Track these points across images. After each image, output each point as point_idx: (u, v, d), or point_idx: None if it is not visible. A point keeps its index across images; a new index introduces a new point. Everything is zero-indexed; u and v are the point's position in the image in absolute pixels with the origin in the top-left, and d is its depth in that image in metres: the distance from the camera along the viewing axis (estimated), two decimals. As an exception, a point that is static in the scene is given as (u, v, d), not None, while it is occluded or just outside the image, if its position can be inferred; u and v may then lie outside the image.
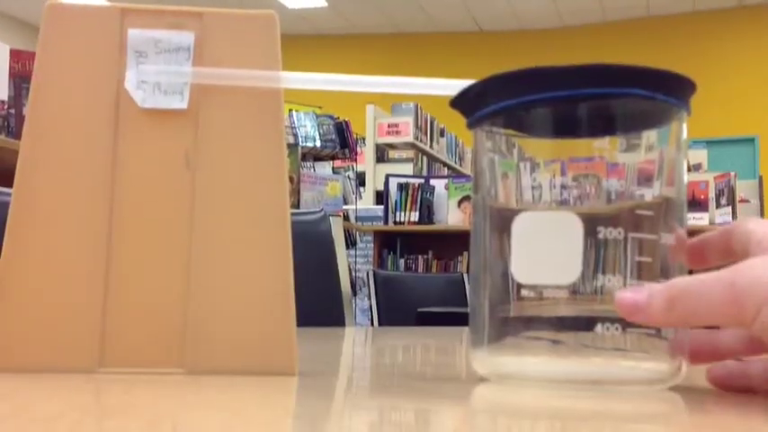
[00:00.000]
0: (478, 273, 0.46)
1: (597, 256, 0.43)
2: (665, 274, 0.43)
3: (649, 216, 0.44)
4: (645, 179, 0.44)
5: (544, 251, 0.43)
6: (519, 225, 0.44)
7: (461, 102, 0.46)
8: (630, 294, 0.40)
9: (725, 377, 0.44)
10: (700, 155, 5.90)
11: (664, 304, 0.39)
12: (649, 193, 0.44)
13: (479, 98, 0.45)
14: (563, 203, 0.44)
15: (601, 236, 0.42)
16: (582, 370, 0.43)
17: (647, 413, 0.38)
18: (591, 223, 0.42)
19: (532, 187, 0.45)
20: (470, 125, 0.47)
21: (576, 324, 0.43)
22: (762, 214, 4.32)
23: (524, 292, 0.43)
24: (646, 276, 0.43)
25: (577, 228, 0.42)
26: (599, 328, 0.42)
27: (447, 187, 4.38)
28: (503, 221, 0.44)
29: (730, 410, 0.39)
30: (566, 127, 0.45)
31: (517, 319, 0.44)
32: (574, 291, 0.42)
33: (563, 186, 0.44)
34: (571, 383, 0.43)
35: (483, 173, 0.47)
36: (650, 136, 0.45)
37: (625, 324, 0.42)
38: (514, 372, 0.45)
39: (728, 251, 0.45)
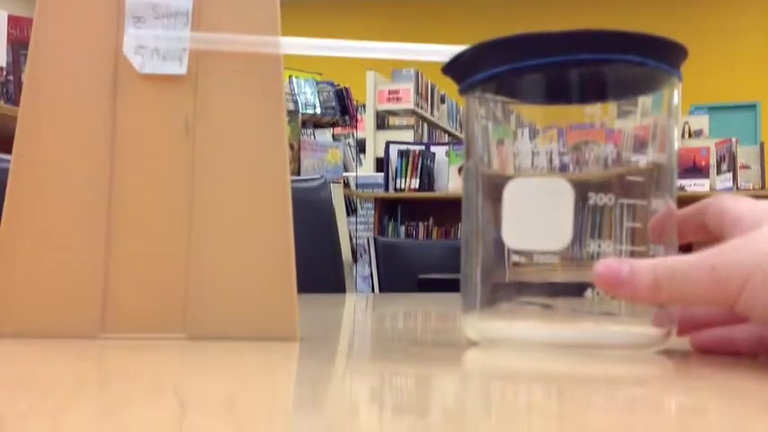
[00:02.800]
0: (470, 238, 0.46)
1: (588, 222, 0.43)
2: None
3: (640, 182, 0.44)
4: (638, 146, 0.44)
5: (535, 217, 0.44)
6: (510, 191, 0.44)
7: (453, 68, 0.46)
8: (614, 266, 0.40)
9: (711, 342, 0.45)
10: (701, 121, 5.88)
11: (649, 284, 0.40)
12: (642, 160, 0.44)
13: (471, 64, 0.45)
14: (555, 170, 0.44)
15: (591, 202, 0.43)
16: (572, 334, 0.44)
17: (636, 376, 0.39)
18: (582, 189, 0.43)
19: (524, 154, 0.45)
20: (462, 91, 0.47)
21: (566, 289, 0.44)
22: (763, 180, 4.32)
23: (515, 258, 0.44)
24: (636, 242, 0.43)
25: (568, 194, 0.43)
26: (589, 292, 0.42)
27: (447, 154, 4.38)
28: (494, 188, 0.45)
29: (718, 372, 0.40)
30: (557, 93, 0.45)
31: (508, 285, 0.45)
32: (564, 256, 0.43)
33: (555, 153, 0.44)
34: (561, 347, 0.43)
35: (475, 139, 0.47)
36: (641, 102, 0.45)
37: None
38: (505, 336, 0.45)
39: (702, 228, 0.46)
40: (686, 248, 0.45)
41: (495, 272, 0.45)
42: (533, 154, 0.44)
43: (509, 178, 0.44)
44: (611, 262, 0.41)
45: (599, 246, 0.43)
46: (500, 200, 0.44)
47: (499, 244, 0.44)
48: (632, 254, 0.43)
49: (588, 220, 0.43)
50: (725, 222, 0.43)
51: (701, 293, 0.39)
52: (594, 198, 0.43)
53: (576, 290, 0.43)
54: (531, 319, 0.45)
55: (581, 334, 0.44)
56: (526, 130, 0.45)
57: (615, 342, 0.44)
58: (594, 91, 0.44)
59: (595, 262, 0.41)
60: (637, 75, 0.44)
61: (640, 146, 0.44)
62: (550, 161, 0.44)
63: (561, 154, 0.44)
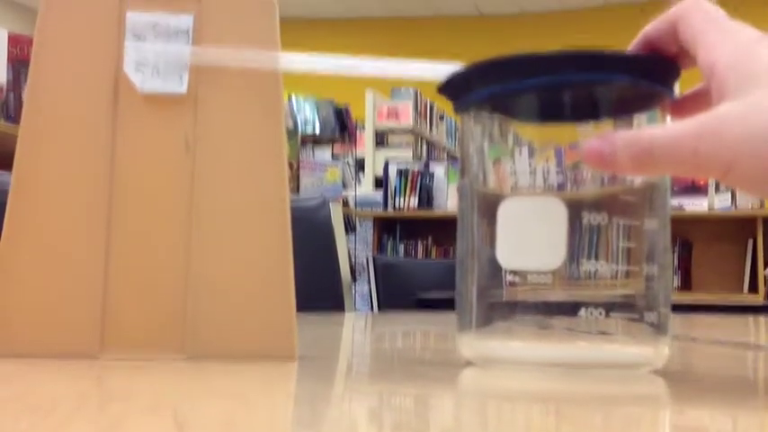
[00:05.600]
0: (465, 257, 0.47)
1: (581, 241, 0.43)
2: (649, 259, 0.44)
3: (634, 202, 0.44)
4: None
5: (529, 236, 0.44)
6: (504, 210, 0.44)
7: (449, 87, 0.47)
8: (596, 144, 0.40)
9: None
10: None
11: (628, 161, 0.39)
12: (637, 179, 0.44)
13: (466, 84, 0.45)
14: (550, 189, 0.44)
15: (585, 221, 0.43)
16: (567, 353, 0.44)
17: (631, 395, 0.39)
18: (576, 209, 0.43)
19: (519, 173, 0.45)
20: (457, 110, 0.47)
21: (560, 309, 0.44)
22: (761, 200, 4.32)
23: (510, 278, 0.44)
24: (630, 261, 0.43)
25: (562, 213, 0.43)
26: (583, 312, 0.42)
27: (446, 172, 4.38)
28: (489, 207, 0.45)
29: (713, 391, 0.40)
30: (551, 113, 0.45)
31: (503, 304, 0.45)
32: (559, 276, 0.43)
33: (549, 172, 0.44)
34: (556, 366, 0.43)
35: (470, 158, 0.47)
36: (636, 121, 0.45)
37: (608, 309, 0.42)
38: (501, 356, 0.45)
39: (675, 44, 0.43)
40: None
41: (491, 291, 0.45)
42: (528, 173, 0.45)
43: (503, 197, 0.44)
44: (593, 142, 0.40)
45: (593, 265, 0.43)
46: (494, 219, 0.44)
47: (494, 263, 0.44)
48: (627, 274, 0.43)
49: (583, 240, 0.43)
50: (699, 56, 0.41)
51: (683, 170, 0.39)
52: (588, 217, 0.43)
53: (570, 309, 0.43)
54: (527, 339, 0.45)
55: (576, 353, 0.44)
56: (521, 150, 0.45)
57: (610, 361, 0.44)
58: (589, 110, 0.45)
59: (589, 281, 0.42)
60: (631, 93, 0.44)
61: None
62: (547, 181, 0.44)
63: (556, 173, 0.44)
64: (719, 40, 0.40)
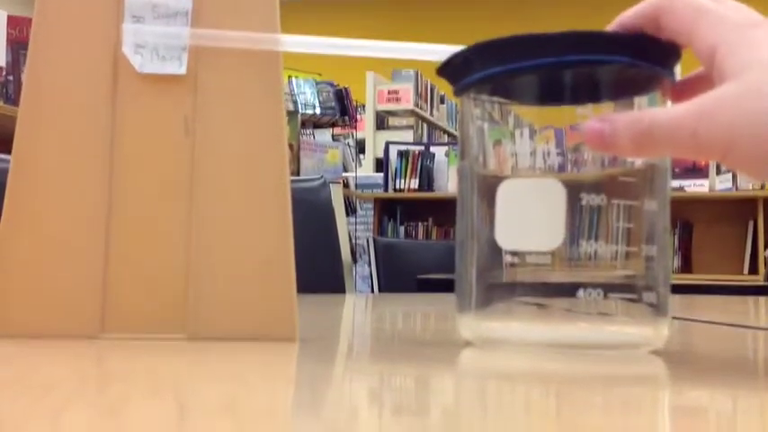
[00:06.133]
0: (464, 239, 0.47)
1: (581, 222, 0.43)
2: (648, 240, 0.44)
3: (633, 183, 0.44)
4: None
5: (528, 218, 0.44)
6: (504, 192, 0.44)
7: (448, 69, 0.47)
8: (597, 126, 0.40)
9: None
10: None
11: (628, 143, 0.39)
12: (638, 160, 0.44)
13: (465, 66, 0.45)
14: (549, 170, 0.44)
15: (584, 202, 0.43)
16: (566, 334, 0.44)
17: (631, 375, 0.39)
18: (575, 190, 0.43)
19: (519, 155, 0.45)
20: (457, 92, 0.47)
21: (559, 289, 0.44)
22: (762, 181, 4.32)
23: (509, 259, 0.44)
24: (630, 242, 0.43)
25: (560, 194, 0.43)
26: (581, 293, 0.42)
27: (447, 154, 4.38)
28: (489, 188, 0.45)
29: (712, 372, 0.40)
30: (551, 94, 0.45)
31: (502, 285, 0.45)
32: (558, 256, 0.43)
33: (549, 154, 0.44)
34: (556, 347, 0.43)
35: (469, 140, 0.47)
36: (636, 103, 0.45)
37: (607, 289, 0.42)
38: (500, 336, 0.45)
39: (656, 33, 0.43)
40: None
41: (490, 272, 0.45)
42: (528, 154, 0.44)
43: (502, 179, 0.44)
44: (594, 123, 0.40)
45: (591, 246, 0.43)
46: (494, 200, 0.44)
47: (493, 244, 0.44)
48: (626, 255, 0.43)
49: (582, 221, 0.43)
50: (695, 45, 0.41)
51: (682, 152, 0.39)
52: (588, 198, 0.43)
53: (569, 290, 0.43)
54: (526, 320, 0.45)
55: (575, 334, 0.44)
56: (521, 131, 0.45)
57: (609, 342, 0.44)
58: (589, 92, 0.44)
59: (588, 262, 0.42)
60: (631, 75, 0.44)
61: None
62: (545, 162, 0.44)
63: (556, 155, 0.44)
64: (713, 28, 0.40)
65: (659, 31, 0.42)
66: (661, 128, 0.38)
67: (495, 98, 0.46)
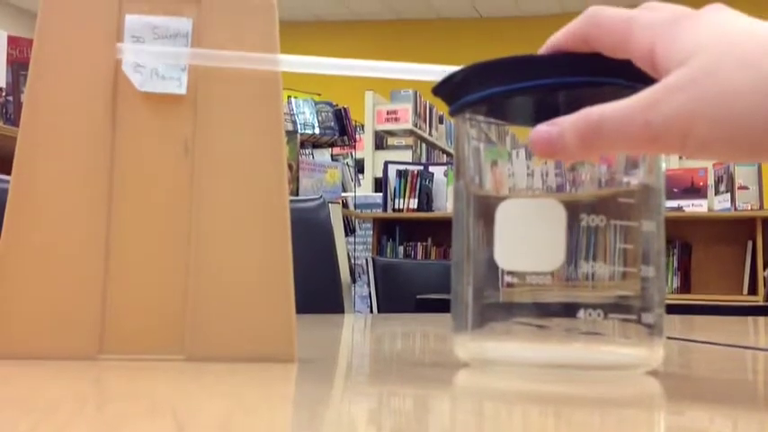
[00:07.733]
0: (461, 259, 0.47)
1: (580, 243, 0.43)
2: (645, 260, 0.44)
3: (631, 203, 0.44)
4: (629, 167, 0.45)
5: (527, 238, 0.44)
6: (503, 212, 0.44)
7: (443, 89, 0.47)
8: (544, 129, 0.39)
9: None
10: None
11: (577, 142, 0.38)
12: (633, 181, 0.45)
13: (461, 86, 0.45)
14: (547, 191, 0.44)
15: (583, 223, 0.43)
16: (562, 355, 0.44)
17: (627, 396, 0.39)
18: (574, 210, 0.43)
19: (516, 175, 0.45)
20: (452, 113, 0.47)
21: (558, 310, 0.44)
22: (761, 201, 4.32)
23: (508, 279, 0.44)
24: (628, 263, 0.43)
25: (561, 215, 0.43)
26: (581, 313, 0.42)
27: (446, 174, 4.38)
28: (486, 208, 0.45)
29: (707, 392, 0.40)
30: (546, 115, 0.45)
31: (500, 305, 0.45)
32: (557, 277, 0.43)
33: (548, 174, 0.44)
34: (552, 368, 0.43)
35: (465, 160, 0.47)
36: None
37: (607, 310, 0.42)
38: (497, 357, 0.45)
39: (588, 48, 0.42)
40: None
41: (487, 292, 0.45)
42: (525, 175, 0.45)
43: (500, 199, 0.44)
44: (541, 127, 0.39)
45: (591, 267, 0.43)
46: (491, 220, 0.44)
47: (490, 264, 0.44)
48: (624, 275, 0.43)
49: (581, 241, 0.43)
50: (634, 55, 0.40)
51: (634, 146, 0.38)
52: (587, 219, 0.43)
53: (568, 310, 0.43)
54: (522, 340, 0.45)
55: (572, 355, 0.44)
56: (517, 152, 0.45)
57: (606, 363, 0.44)
58: None
59: (587, 283, 0.42)
60: (626, 96, 0.44)
61: (632, 167, 0.44)
62: (543, 182, 0.44)
63: (555, 175, 0.44)
64: (644, 31, 0.39)
65: (590, 49, 0.42)
66: (611, 121, 0.37)
67: (491, 119, 0.46)
